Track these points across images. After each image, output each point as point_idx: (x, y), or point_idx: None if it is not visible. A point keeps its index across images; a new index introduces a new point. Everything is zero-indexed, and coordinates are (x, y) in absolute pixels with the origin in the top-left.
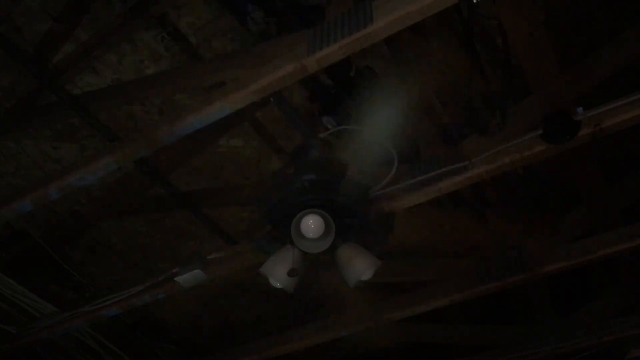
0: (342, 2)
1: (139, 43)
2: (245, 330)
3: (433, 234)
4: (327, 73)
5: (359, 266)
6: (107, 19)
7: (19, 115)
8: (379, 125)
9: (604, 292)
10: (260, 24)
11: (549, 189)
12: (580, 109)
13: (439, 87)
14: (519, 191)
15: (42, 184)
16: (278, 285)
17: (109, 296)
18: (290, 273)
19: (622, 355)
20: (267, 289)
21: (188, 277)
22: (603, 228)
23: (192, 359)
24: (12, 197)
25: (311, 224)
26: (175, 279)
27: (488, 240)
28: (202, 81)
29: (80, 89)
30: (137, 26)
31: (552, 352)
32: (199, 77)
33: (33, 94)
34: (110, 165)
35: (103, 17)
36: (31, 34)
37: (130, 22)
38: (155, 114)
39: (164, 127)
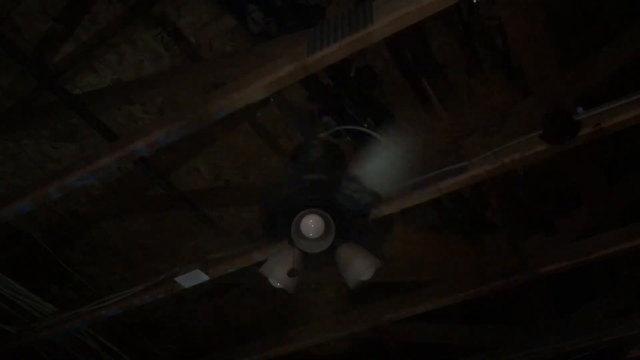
0: (342, 2)
1: (139, 43)
2: (245, 330)
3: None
4: (327, 73)
5: (359, 266)
6: (107, 19)
7: (19, 115)
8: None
9: (604, 292)
10: (260, 24)
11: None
12: (580, 109)
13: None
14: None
15: (42, 184)
16: (278, 285)
17: (109, 296)
18: (290, 273)
19: (622, 355)
20: (267, 289)
21: (188, 277)
22: (603, 228)
23: (192, 359)
24: (12, 197)
25: (311, 224)
26: (175, 279)
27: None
28: (202, 81)
29: (80, 89)
30: (137, 26)
31: (552, 352)
32: (199, 77)
33: (33, 94)
34: (110, 165)
35: (103, 17)
36: (31, 34)
37: (130, 22)
38: (155, 114)
39: (164, 126)
